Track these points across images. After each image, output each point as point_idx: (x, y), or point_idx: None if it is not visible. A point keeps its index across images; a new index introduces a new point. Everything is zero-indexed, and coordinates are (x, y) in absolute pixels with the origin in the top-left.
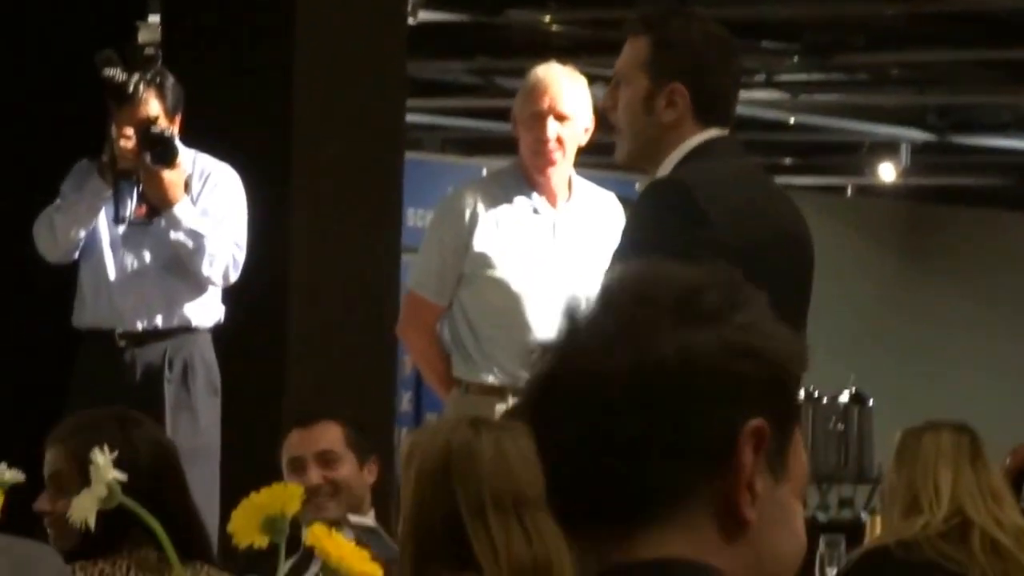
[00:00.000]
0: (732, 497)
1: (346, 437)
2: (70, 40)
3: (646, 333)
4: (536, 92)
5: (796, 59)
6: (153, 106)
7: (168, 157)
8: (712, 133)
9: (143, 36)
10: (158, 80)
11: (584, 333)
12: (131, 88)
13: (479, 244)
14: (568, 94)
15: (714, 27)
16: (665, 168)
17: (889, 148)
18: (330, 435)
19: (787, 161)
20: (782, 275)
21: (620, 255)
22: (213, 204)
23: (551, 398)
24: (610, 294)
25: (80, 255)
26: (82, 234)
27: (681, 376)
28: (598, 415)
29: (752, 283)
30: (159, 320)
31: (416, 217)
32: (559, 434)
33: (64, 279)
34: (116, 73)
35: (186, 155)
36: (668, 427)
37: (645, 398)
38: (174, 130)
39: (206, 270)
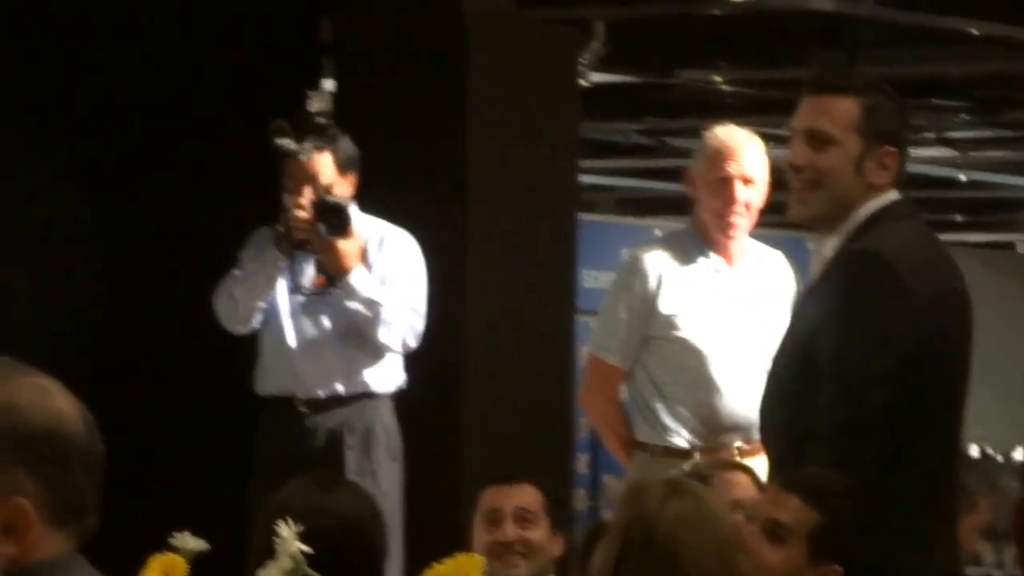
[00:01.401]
0: None
1: (543, 501)
2: (245, 110)
3: None
4: (722, 156)
5: (965, 116)
6: (326, 174)
7: (342, 227)
8: (892, 195)
9: (314, 105)
10: (331, 144)
11: None
12: (303, 157)
13: (664, 306)
14: (754, 158)
15: (890, 89)
16: (846, 229)
17: None
18: (529, 495)
19: (957, 218)
20: (961, 331)
21: (816, 319)
22: (391, 270)
23: None
24: None
25: (262, 323)
26: (261, 305)
27: None
28: None
29: (939, 341)
30: (339, 387)
31: (590, 278)
32: None
33: (246, 347)
34: (287, 143)
35: (363, 221)
36: None
37: None
38: (348, 196)
39: (383, 337)
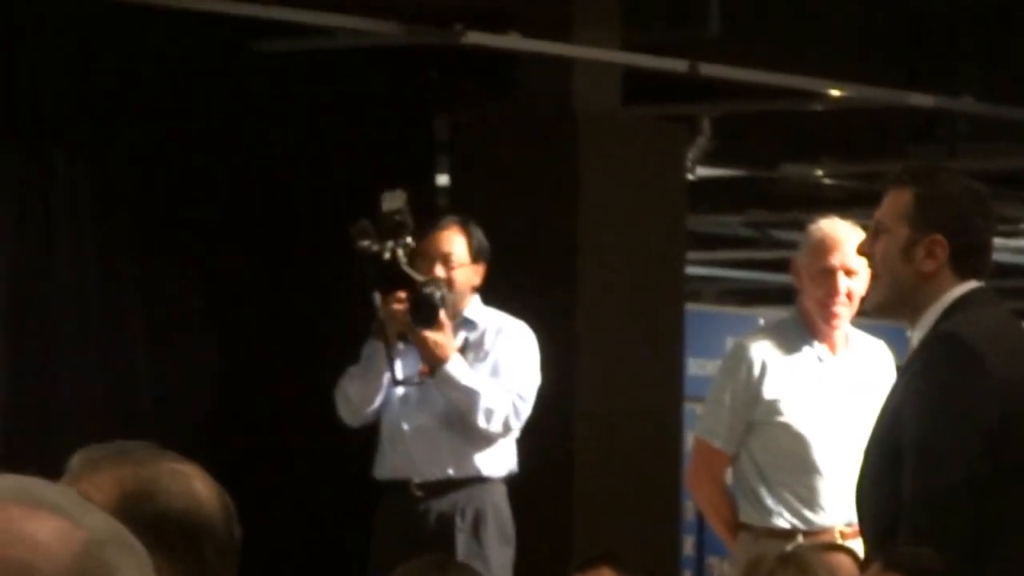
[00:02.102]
0: None
1: None
2: (363, 205)
3: None
4: (825, 247)
5: None
6: (452, 245)
7: (430, 319)
8: (971, 285)
9: (387, 204)
10: (458, 220)
11: None
12: (385, 255)
13: (768, 392)
14: (855, 250)
15: (973, 183)
16: (928, 318)
17: None
18: None
19: None
20: None
21: (902, 400)
22: (504, 359)
23: None
24: None
25: (384, 415)
26: (374, 397)
27: None
28: None
29: (1019, 421)
30: (451, 471)
31: (696, 366)
32: None
33: (365, 435)
34: (368, 244)
35: (483, 312)
36: None
37: None
38: (478, 275)
39: (482, 423)
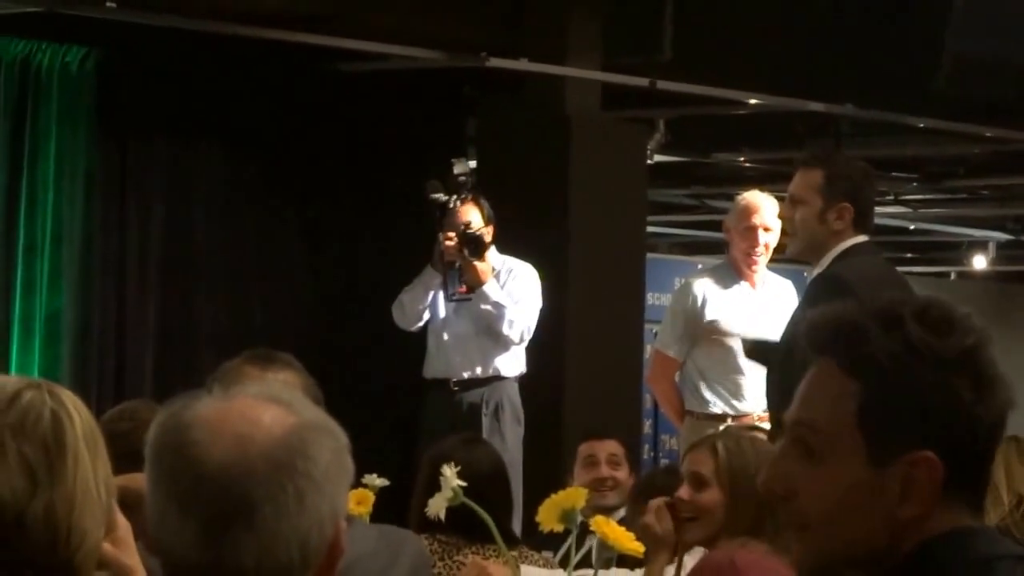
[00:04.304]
0: None
1: (626, 451)
2: (410, 174)
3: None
4: (748, 212)
5: (916, 184)
6: (470, 215)
7: (478, 252)
8: (862, 238)
9: (457, 168)
10: (471, 197)
11: None
12: (450, 204)
13: (706, 316)
14: (770, 212)
15: (862, 163)
16: (825, 261)
17: (981, 245)
18: (616, 446)
19: (908, 255)
20: None
21: (793, 325)
22: (517, 290)
23: None
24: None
25: (428, 324)
26: (421, 307)
27: None
28: None
29: None
30: (479, 371)
31: (652, 298)
32: None
33: (417, 348)
34: (439, 195)
35: (499, 257)
36: None
37: None
38: (490, 234)
39: (506, 331)
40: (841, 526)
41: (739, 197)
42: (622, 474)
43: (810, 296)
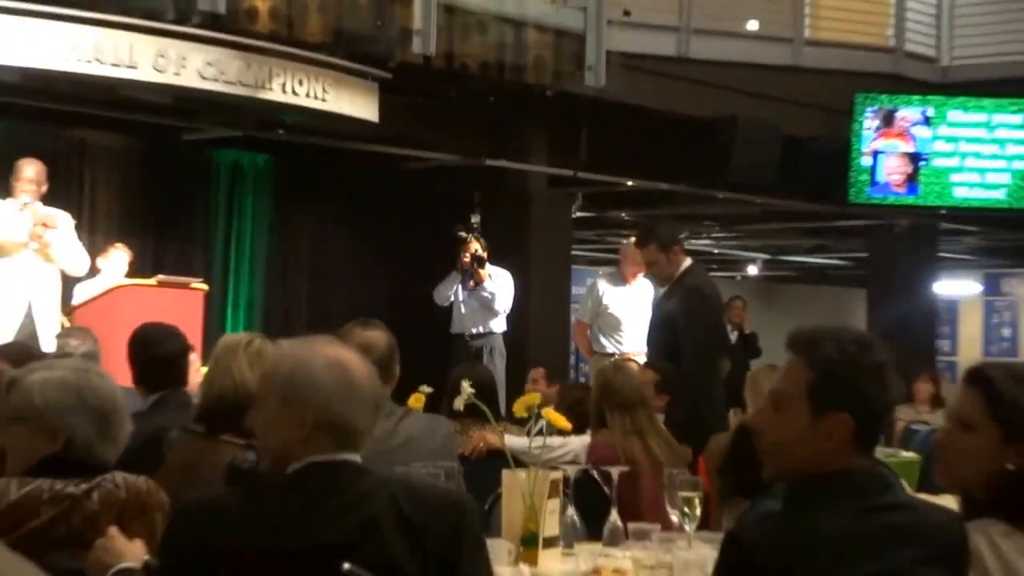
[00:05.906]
0: None
1: (545, 373)
2: (446, 223)
3: None
4: (630, 251)
5: (718, 228)
6: (477, 244)
7: (481, 264)
8: (689, 260)
9: (473, 219)
10: (477, 235)
11: None
12: (467, 238)
13: (604, 301)
14: (641, 251)
15: (674, 226)
16: (675, 277)
17: (753, 261)
18: (542, 371)
19: (715, 267)
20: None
21: (671, 311)
22: (500, 284)
23: None
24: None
25: (452, 303)
26: (448, 293)
27: None
28: None
29: (720, 324)
30: (481, 329)
31: (575, 290)
32: None
33: (446, 315)
34: (461, 234)
35: (490, 267)
36: None
37: None
38: (487, 255)
39: (496, 307)
40: (790, 451)
41: (625, 241)
42: (552, 389)
43: (682, 299)
